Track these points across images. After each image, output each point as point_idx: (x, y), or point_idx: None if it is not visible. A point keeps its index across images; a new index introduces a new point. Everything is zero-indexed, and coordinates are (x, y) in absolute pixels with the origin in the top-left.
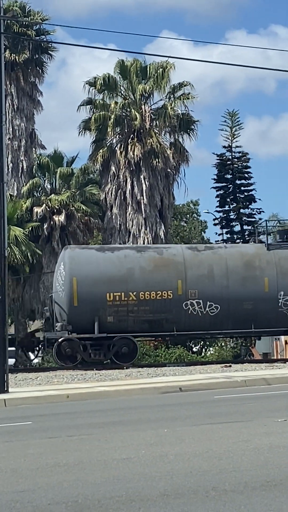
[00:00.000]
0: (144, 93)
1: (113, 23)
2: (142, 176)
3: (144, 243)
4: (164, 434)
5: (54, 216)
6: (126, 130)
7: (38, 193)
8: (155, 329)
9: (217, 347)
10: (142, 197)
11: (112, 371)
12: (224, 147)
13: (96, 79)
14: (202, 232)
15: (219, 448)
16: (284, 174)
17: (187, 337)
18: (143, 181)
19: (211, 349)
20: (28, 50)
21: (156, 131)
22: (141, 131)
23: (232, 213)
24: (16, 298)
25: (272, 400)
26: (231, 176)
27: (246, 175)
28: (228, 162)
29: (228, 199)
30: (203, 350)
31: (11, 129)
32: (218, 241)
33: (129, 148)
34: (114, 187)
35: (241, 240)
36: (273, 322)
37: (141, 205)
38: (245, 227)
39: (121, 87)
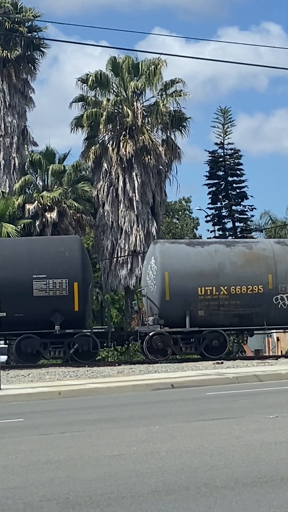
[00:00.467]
0: (136, 90)
1: (105, 20)
2: (134, 173)
3: (136, 240)
4: (155, 430)
5: (46, 213)
6: (118, 127)
7: (30, 190)
8: (245, 323)
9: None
10: (134, 194)
11: (104, 368)
12: (216, 144)
13: (88, 76)
14: (194, 229)
15: (211, 445)
16: (276, 171)
17: (276, 331)
18: (135, 178)
19: None
20: (20, 47)
21: (148, 128)
22: (133, 128)
23: (224, 210)
24: None
25: (263, 396)
26: (223, 173)
27: (238, 172)
28: (220, 159)
29: (220, 196)
30: None
31: (3, 126)
32: (209, 237)
33: (121, 145)
34: (106, 184)
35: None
36: None
37: (133, 202)
38: (237, 224)
39: (113, 84)
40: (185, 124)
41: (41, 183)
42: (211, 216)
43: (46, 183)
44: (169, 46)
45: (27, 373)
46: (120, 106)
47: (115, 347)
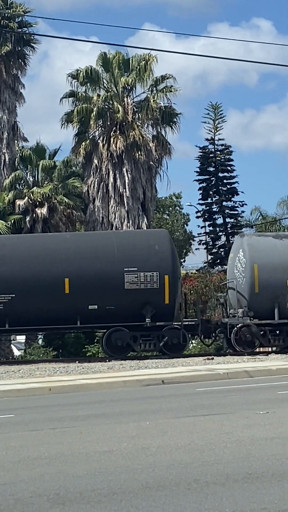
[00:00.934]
0: (126, 85)
1: (95, 16)
2: (124, 169)
3: None
4: (146, 426)
5: (36, 209)
6: (108, 123)
7: (20, 186)
8: None
9: (199, 340)
10: (124, 190)
11: (95, 364)
12: (207, 139)
13: (79, 71)
14: (185, 225)
15: (201, 441)
16: (267, 167)
17: None
18: (125, 173)
19: (193, 341)
20: (10, 43)
21: (139, 124)
22: (124, 123)
23: (214, 206)
24: None
25: (253, 392)
26: (214, 169)
27: (228, 168)
28: (211, 155)
29: (211, 192)
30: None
31: None
32: (200, 233)
33: (112, 141)
34: (96, 179)
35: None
36: None
37: (124, 198)
38: (227, 219)
39: (104, 80)
40: (175, 120)
41: (31, 179)
42: (201, 212)
43: (36, 178)
44: (159, 42)
45: (17, 369)
46: (111, 102)
47: (202, 340)
